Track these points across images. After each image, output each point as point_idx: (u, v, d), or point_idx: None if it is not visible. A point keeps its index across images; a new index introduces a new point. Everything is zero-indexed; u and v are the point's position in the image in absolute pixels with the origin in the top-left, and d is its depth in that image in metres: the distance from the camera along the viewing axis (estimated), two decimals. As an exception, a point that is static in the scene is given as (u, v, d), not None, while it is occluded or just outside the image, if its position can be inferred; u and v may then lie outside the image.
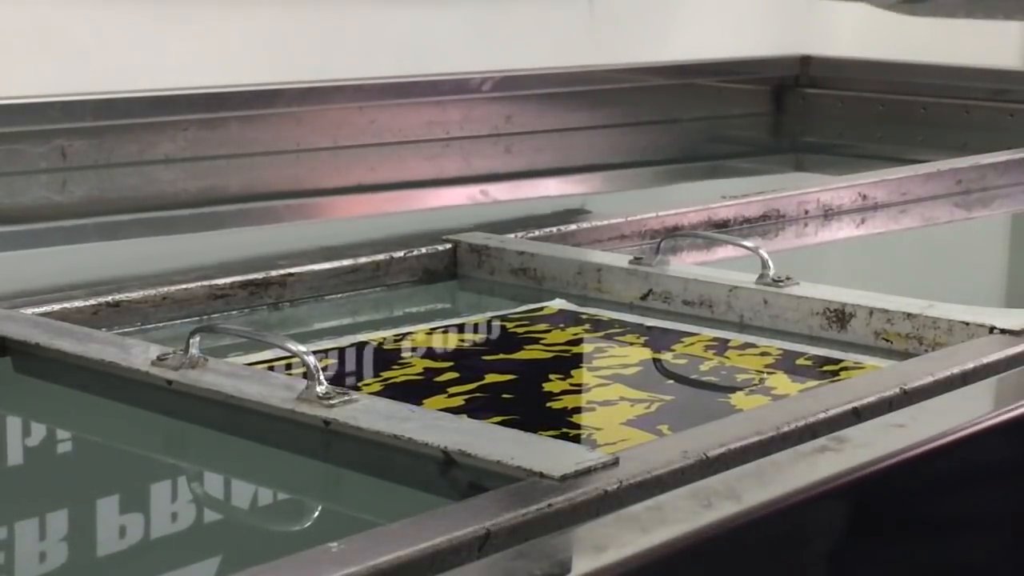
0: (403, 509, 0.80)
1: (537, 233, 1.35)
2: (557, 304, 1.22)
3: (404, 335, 1.14)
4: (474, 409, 0.96)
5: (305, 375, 0.89)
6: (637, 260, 1.23)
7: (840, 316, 1.12)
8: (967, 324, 1.07)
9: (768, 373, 1.06)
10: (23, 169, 1.66)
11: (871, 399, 0.90)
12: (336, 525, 0.84)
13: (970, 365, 0.97)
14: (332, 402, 0.87)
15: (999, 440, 0.92)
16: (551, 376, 1.04)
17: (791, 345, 1.11)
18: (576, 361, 1.09)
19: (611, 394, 1.01)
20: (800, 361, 1.08)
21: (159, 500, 0.85)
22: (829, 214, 1.60)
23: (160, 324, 1.13)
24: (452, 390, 1.00)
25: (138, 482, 0.88)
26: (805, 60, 2.45)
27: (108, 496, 0.86)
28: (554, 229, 1.36)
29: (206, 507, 0.86)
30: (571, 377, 1.05)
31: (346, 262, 1.24)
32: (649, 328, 1.16)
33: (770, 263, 1.17)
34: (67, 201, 1.69)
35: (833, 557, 0.88)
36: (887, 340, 1.10)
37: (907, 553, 0.90)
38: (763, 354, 1.09)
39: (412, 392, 0.99)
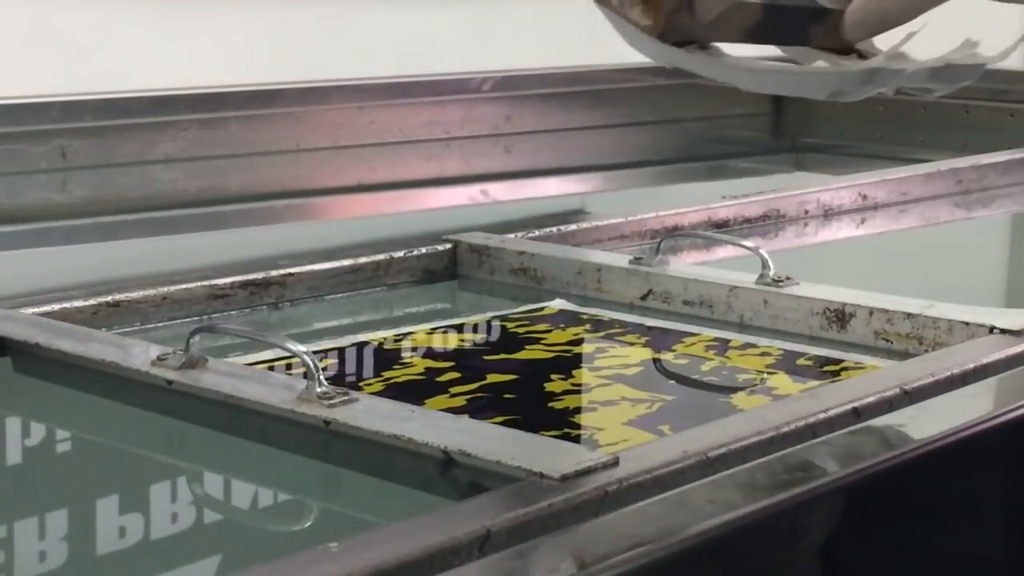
0: (403, 509, 0.80)
1: (537, 233, 1.35)
2: (557, 304, 1.22)
3: (404, 335, 1.14)
4: (476, 409, 0.96)
5: (305, 375, 0.89)
6: (637, 260, 1.23)
7: (840, 316, 1.12)
8: (967, 324, 1.07)
9: (769, 373, 1.06)
10: (23, 169, 1.66)
11: (871, 399, 0.90)
12: (336, 525, 0.84)
13: (970, 365, 0.97)
14: (332, 402, 0.87)
15: (999, 440, 0.92)
16: (552, 376, 1.04)
17: (792, 345, 1.11)
18: (577, 361, 1.09)
19: (612, 394, 1.00)
20: (801, 361, 1.08)
21: (159, 500, 0.85)
22: (829, 214, 1.60)
23: (160, 324, 1.13)
24: (454, 390, 1.00)
25: (138, 482, 0.88)
26: (805, 60, 2.45)
27: (108, 496, 0.85)
28: (554, 229, 1.36)
29: (206, 507, 0.86)
30: (572, 377, 1.04)
31: (346, 262, 1.24)
32: (650, 328, 1.16)
33: (770, 263, 1.17)
34: (67, 201, 1.69)
35: (834, 557, 0.88)
36: (887, 340, 1.10)
37: (907, 552, 0.90)
38: (764, 354, 1.09)
39: (414, 392, 0.99)
